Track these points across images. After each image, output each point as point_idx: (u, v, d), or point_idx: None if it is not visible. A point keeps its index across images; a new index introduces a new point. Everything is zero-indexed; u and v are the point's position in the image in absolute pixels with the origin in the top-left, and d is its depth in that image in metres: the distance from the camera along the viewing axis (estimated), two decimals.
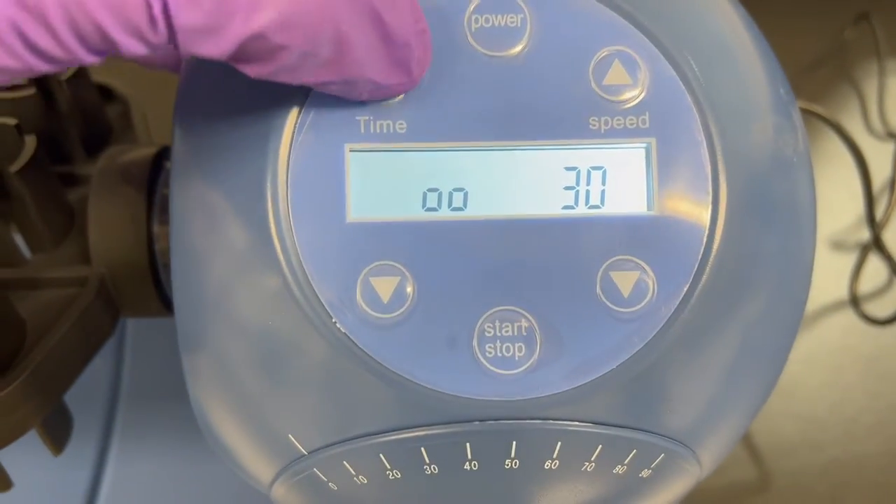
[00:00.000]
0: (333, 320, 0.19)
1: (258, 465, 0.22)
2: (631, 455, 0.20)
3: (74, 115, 0.30)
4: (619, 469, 0.20)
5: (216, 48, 0.16)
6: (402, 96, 0.20)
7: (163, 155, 0.27)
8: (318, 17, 0.16)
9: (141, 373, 0.40)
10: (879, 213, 0.42)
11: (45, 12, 0.14)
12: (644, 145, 0.20)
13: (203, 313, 0.20)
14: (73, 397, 0.26)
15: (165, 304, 0.27)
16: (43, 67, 0.15)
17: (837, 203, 0.46)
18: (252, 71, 0.17)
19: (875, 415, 0.44)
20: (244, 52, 0.16)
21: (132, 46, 0.15)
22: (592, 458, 0.20)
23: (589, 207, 0.20)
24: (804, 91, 0.50)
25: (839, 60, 0.51)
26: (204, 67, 0.20)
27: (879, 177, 0.45)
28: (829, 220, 0.47)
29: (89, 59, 0.15)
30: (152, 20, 0.15)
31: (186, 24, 0.15)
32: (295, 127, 0.19)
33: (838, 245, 0.47)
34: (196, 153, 0.20)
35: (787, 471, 0.43)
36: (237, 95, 0.20)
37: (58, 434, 0.26)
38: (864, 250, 0.43)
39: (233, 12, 0.15)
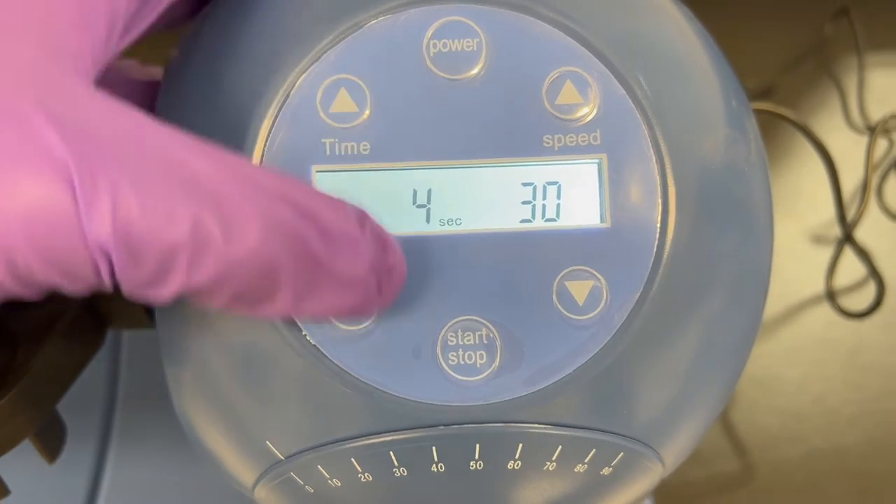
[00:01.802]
0: (304, 334, 0.20)
1: (240, 470, 0.23)
2: (591, 454, 0.21)
3: None
4: (579, 468, 0.21)
5: (158, 297, 0.16)
6: (366, 116, 0.21)
7: None
8: (256, 269, 0.17)
9: (137, 379, 0.41)
10: (856, 209, 0.43)
11: None
12: (596, 161, 0.21)
13: (183, 328, 0.22)
14: (69, 404, 0.27)
15: (152, 317, 0.28)
16: None
17: (816, 198, 0.47)
18: (198, 302, 0.17)
19: (856, 406, 0.45)
20: (185, 294, 0.17)
21: (79, 291, 0.16)
22: (553, 458, 0.21)
23: (545, 221, 0.21)
24: (785, 87, 0.50)
25: (819, 56, 0.51)
26: (176, 101, 0.21)
27: (860, 171, 0.46)
28: (809, 215, 0.48)
29: (38, 296, 0.16)
30: (98, 275, 0.16)
31: (130, 279, 0.16)
32: (264, 150, 0.20)
33: (819, 239, 0.47)
34: None
35: (770, 462, 0.44)
36: (208, 124, 0.21)
37: (51, 443, 0.27)
38: (840, 245, 0.44)
39: (172, 271, 0.16)
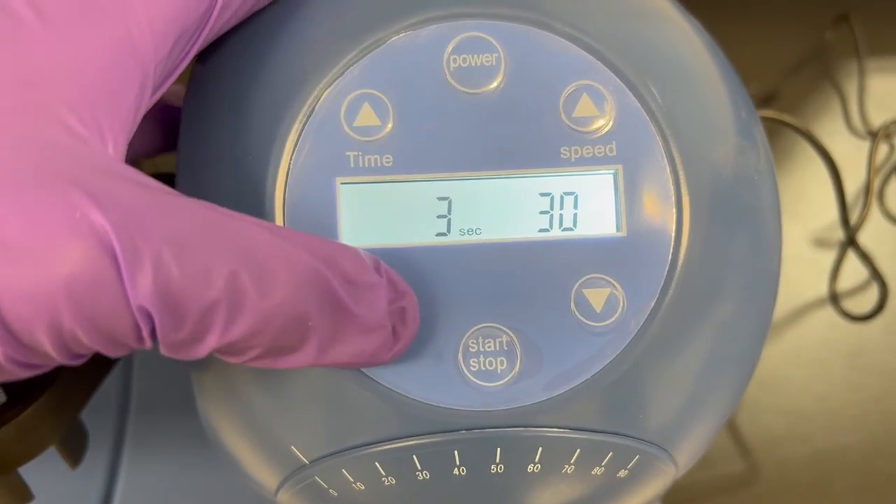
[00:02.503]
0: None
1: (264, 475, 0.23)
2: (608, 457, 0.22)
3: None
4: (597, 471, 0.22)
5: (195, 354, 0.17)
6: (389, 129, 0.21)
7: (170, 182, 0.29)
8: (288, 318, 0.17)
9: (149, 385, 0.42)
10: (860, 211, 0.44)
11: (43, 349, 0.16)
12: (612, 172, 0.21)
13: None
14: (84, 411, 0.27)
15: None
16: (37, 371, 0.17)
17: (819, 202, 0.47)
18: (228, 360, 0.18)
19: (858, 406, 0.46)
20: (220, 349, 0.17)
21: (120, 354, 0.17)
22: (572, 462, 0.21)
23: (563, 230, 0.21)
24: (787, 93, 0.51)
25: (820, 61, 0.52)
26: (202, 115, 0.22)
27: (863, 174, 0.47)
28: (813, 218, 0.48)
29: (80, 363, 0.17)
30: (140, 339, 0.16)
31: (171, 339, 0.16)
32: (290, 162, 0.21)
33: (821, 243, 0.48)
34: (198, 187, 0.22)
35: (775, 462, 0.45)
36: (236, 136, 0.21)
37: (74, 449, 0.27)
38: (843, 249, 0.44)
39: (211, 328, 0.16)
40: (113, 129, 0.17)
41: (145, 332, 0.16)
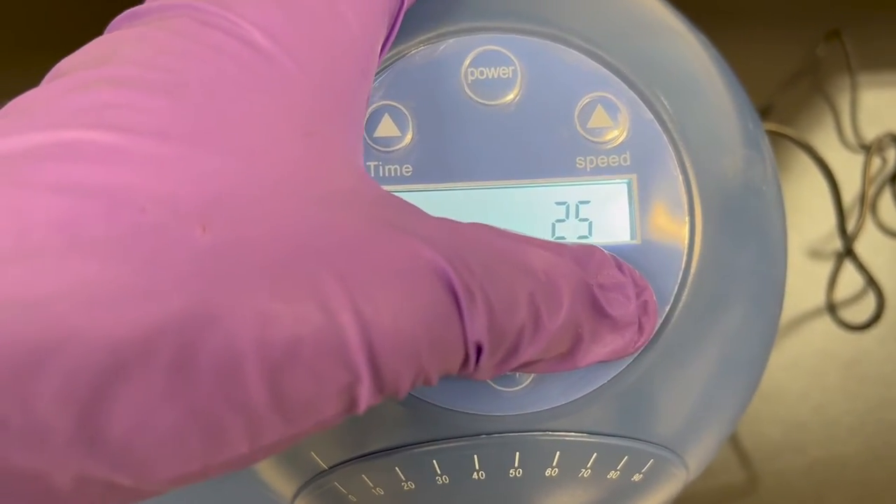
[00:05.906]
0: None
1: (281, 481, 0.24)
2: (623, 461, 0.22)
3: None
4: (612, 474, 0.22)
5: (488, 377, 0.18)
6: (409, 140, 0.22)
7: None
8: (567, 330, 0.18)
9: None
10: (854, 223, 0.44)
11: (400, 389, 0.16)
12: (626, 181, 0.22)
13: None
14: None
15: None
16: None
17: (815, 212, 0.48)
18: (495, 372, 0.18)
19: (855, 416, 0.46)
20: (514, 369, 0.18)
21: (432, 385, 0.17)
22: (588, 465, 0.22)
23: (578, 238, 0.22)
24: (780, 107, 0.52)
25: (813, 76, 0.53)
26: None
27: (855, 187, 0.47)
28: (808, 230, 0.49)
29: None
30: (464, 369, 0.17)
31: (488, 367, 0.17)
32: None
33: (817, 254, 0.49)
34: None
35: (773, 472, 0.45)
36: None
37: None
38: (840, 259, 0.45)
39: (517, 351, 0.17)
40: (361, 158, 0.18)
41: (471, 363, 0.16)
